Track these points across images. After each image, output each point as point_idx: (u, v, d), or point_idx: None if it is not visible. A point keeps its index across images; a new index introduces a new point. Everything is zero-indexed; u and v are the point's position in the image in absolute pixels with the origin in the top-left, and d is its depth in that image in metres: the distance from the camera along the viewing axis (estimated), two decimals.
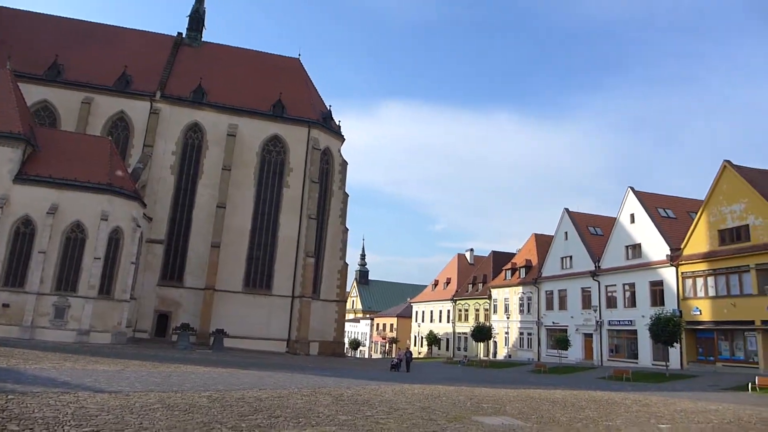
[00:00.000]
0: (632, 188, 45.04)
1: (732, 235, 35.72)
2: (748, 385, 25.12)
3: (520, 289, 57.84)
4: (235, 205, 48.73)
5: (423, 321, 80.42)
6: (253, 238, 49.54)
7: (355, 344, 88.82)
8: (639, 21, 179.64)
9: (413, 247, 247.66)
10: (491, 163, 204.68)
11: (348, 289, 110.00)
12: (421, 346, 77.92)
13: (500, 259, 68.43)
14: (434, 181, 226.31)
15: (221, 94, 51.32)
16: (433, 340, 71.56)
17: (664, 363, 36.11)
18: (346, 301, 60.83)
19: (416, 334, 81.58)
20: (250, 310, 47.37)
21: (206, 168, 49.19)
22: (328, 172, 54.37)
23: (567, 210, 53.08)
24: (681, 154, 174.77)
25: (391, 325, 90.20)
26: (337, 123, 56.67)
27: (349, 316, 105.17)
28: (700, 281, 37.72)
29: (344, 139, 56.55)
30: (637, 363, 40.97)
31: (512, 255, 67.61)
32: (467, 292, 70.31)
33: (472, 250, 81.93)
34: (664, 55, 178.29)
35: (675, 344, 34.81)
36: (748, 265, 34.17)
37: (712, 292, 36.65)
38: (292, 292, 49.02)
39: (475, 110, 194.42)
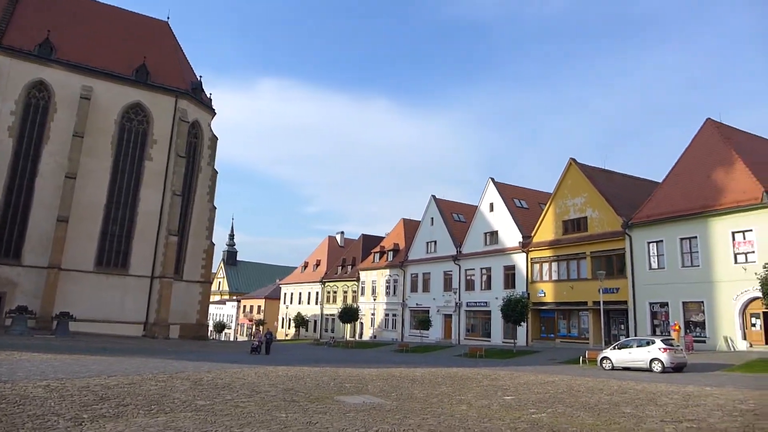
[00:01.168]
0: (492, 179, 48.37)
1: (573, 226, 39.93)
2: (579, 358, 28.40)
3: (387, 271, 59.70)
4: (87, 176, 44.13)
5: (291, 303, 79.99)
6: (108, 213, 45.40)
7: (220, 327, 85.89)
8: (510, 22, 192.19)
9: (286, 228, 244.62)
10: (367, 148, 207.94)
11: (214, 270, 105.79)
12: (289, 327, 77.55)
13: (370, 243, 70.03)
14: (310, 163, 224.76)
15: (74, 51, 45.96)
16: (301, 321, 71.53)
17: (512, 340, 39.58)
18: (211, 283, 58.42)
19: (284, 316, 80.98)
20: (103, 292, 43.56)
21: (53, 133, 43.83)
22: (196, 146, 51.43)
23: (434, 197, 55.63)
24: (539, 149, 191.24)
25: (259, 307, 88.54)
26: (208, 95, 53.72)
27: (215, 297, 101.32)
28: (546, 266, 41.76)
29: (215, 113, 53.81)
30: (490, 341, 44.43)
31: (381, 238, 69.49)
32: (336, 274, 71.08)
33: (342, 232, 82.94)
34: (530, 57, 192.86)
35: (522, 323, 38.27)
36: (585, 253, 38.50)
37: (555, 276, 40.78)
38: (151, 272, 45.91)
39: (354, 95, 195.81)
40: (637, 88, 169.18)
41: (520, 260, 43.76)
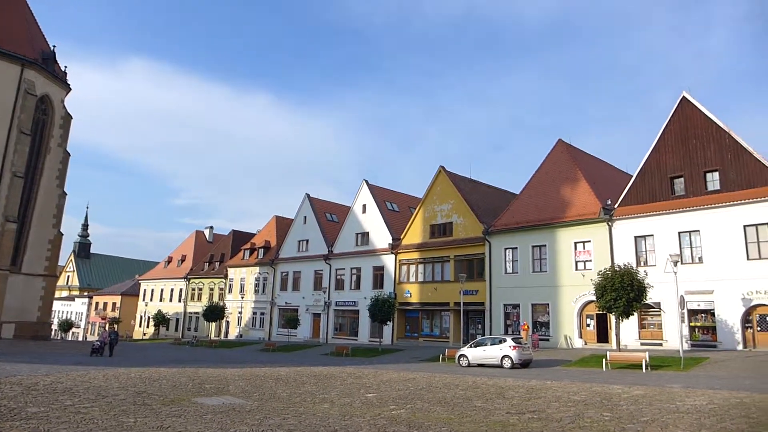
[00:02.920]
0: (367, 181, 49.29)
1: (440, 230, 41.98)
2: (440, 356, 29.89)
3: (257, 269, 58.22)
4: None
5: (152, 300, 74.78)
6: None
7: (67, 325, 77.69)
8: (395, 31, 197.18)
9: (150, 220, 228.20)
10: (243, 142, 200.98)
11: (63, 263, 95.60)
12: (148, 326, 72.43)
13: (240, 239, 67.78)
14: (181, 153, 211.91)
15: None
16: (161, 320, 67.11)
17: (378, 339, 40.59)
18: (57, 277, 52.70)
19: (143, 314, 75.47)
20: None
21: None
22: (45, 124, 46.13)
23: (308, 196, 55.33)
24: (413, 155, 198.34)
25: (114, 304, 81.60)
26: (63, 68, 48.45)
27: (63, 293, 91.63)
28: (413, 268, 43.41)
29: (70, 89, 48.67)
30: (357, 340, 45.15)
31: (253, 235, 67.59)
32: (203, 270, 67.83)
33: (212, 227, 79.30)
34: (410, 67, 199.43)
35: (389, 323, 39.41)
36: (449, 256, 40.67)
37: (421, 278, 42.54)
38: None
39: (234, 87, 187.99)
40: (504, 105, 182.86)
41: (389, 261, 45.03)
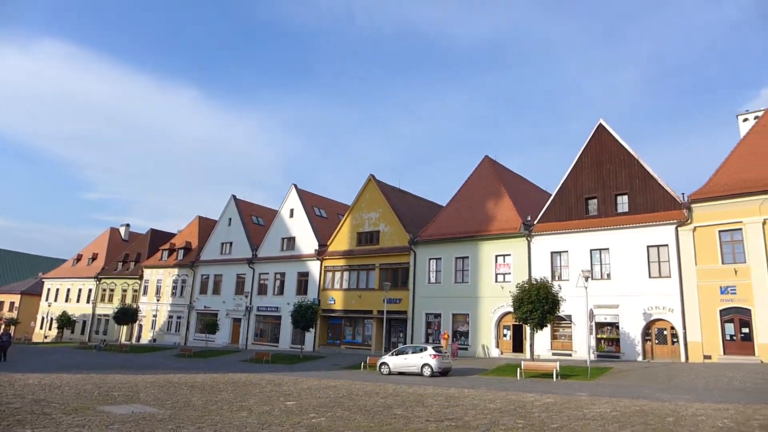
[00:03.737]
0: (295, 185, 48.73)
1: (367, 238, 42.19)
2: (361, 364, 29.93)
3: (175, 271, 55.87)
4: None
5: (56, 300, 69.70)
6: None
7: None
8: (332, 38, 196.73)
9: (58, 214, 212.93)
10: (165, 137, 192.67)
11: None
12: (50, 328, 67.46)
13: (159, 238, 64.84)
14: (94, 144, 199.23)
15: None
16: (66, 322, 62.69)
17: (300, 346, 40.07)
18: None
19: (46, 315, 70.19)
20: None
21: None
22: None
23: (234, 197, 53.91)
24: (343, 162, 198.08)
25: (12, 303, 75.42)
26: None
27: None
28: (338, 275, 43.29)
29: None
30: (278, 346, 44.34)
31: (173, 235, 64.89)
32: (116, 270, 64.17)
33: (128, 225, 75.16)
34: (345, 74, 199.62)
35: (311, 329, 39.01)
36: (375, 264, 40.93)
37: (345, 285, 42.49)
38: None
39: (158, 79, 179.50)
40: (434, 119, 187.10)
41: (314, 267, 44.66)
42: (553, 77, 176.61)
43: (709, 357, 26.90)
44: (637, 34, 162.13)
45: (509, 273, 34.18)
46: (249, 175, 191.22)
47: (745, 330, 26.63)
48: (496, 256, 35.02)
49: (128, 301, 59.13)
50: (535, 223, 33.99)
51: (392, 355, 27.30)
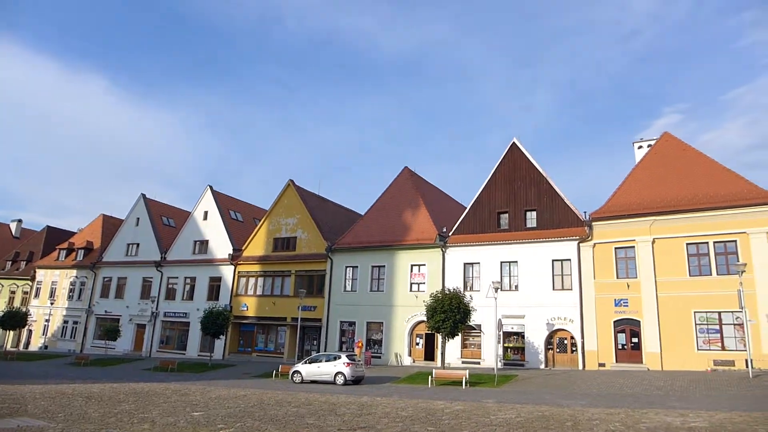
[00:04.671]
0: (211, 187, 47.12)
1: (283, 244, 41.54)
2: (273, 372, 29.34)
3: (74, 272, 52.03)
4: None
5: None
6: None
7: None
8: (257, 38, 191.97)
9: None
10: (67, 127, 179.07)
11: None
12: None
13: (56, 237, 60.16)
14: None
15: None
16: None
17: (209, 354, 38.61)
18: None
19: None
20: None
21: None
22: None
23: (144, 196, 51.21)
24: (262, 165, 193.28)
25: None
26: None
27: None
28: (252, 281, 42.24)
29: None
30: (185, 354, 42.45)
31: (72, 234, 60.51)
32: (4, 270, 58.72)
33: (20, 221, 69.07)
34: (269, 78, 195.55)
35: (221, 336, 37.70)
36: (291, 271, 40.37)
37: (259, 291, 41.54)
38: None
39: (64, 64, 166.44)
40: (356, 128, 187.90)
41: (227, 272, 43.31)
42: (473, 94, 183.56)
43: (604, 365, 28.90)
44: (552, 59, 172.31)
45: (424, 282, 34.93)
46: (162, 175, 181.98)
47: (635, 340, 28.90)
48: (412, 266, 35.70)
49: (17, 303, 54.25)
50: (450, 234, 35.03)
51: (305, 363, 27.01)
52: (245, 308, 41.37)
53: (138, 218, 50.33)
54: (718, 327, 27.27)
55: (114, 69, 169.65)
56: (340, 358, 25.74)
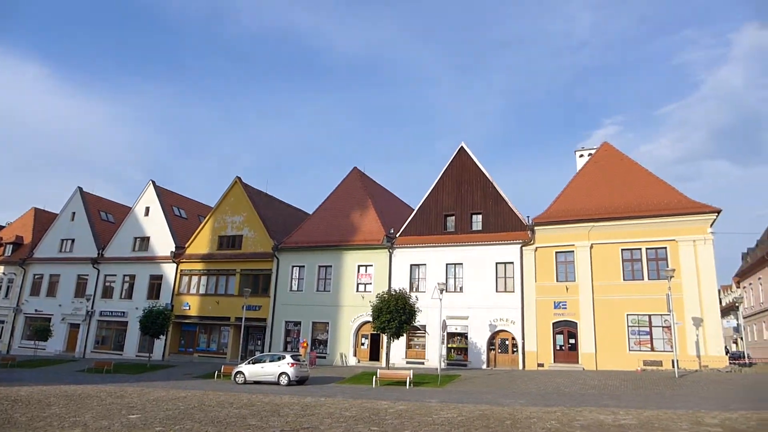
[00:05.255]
0: (153, 182, 45.59)
1: (228, 242, 40.69)
2: (215, 373, 28.70)
3: (1, 268, 49.10)
4: None
5: None
6: None
7: None
8: (205, 31, 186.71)
9: None
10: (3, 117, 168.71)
11: None
12: None
13: None
14: None
15: None
16: None
17: (147, 354, 37.32)
18: None
19: None
20: None
21: None
22: None
23: (81, 189, 48.94)
24: (208, 162, 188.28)
25: None
26: None
27: None
28: (195, 279, 41.16)
29: None
30: (122, 354, 40.87)
31: (1, 228, 57.09)
32: None
33: None
34: (219, 73, 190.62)
35: (161, 336, 36.50)
36: (236, 270, 39.61)
37: (203, 290, 40.53)
38: None
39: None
40: (306, 127, 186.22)
41: (169, 270, 42.00)
42: (424, 98, 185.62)
43: (542, 365, 29.89)
44: (500, 67, 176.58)
45: (370, 283, 35.07)
46: (102, 169, 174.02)
47: (572, 341, 30.06)
48: (359, 266, 35.77)
49: None
50: (397, 236, 35.33)
51: (249, 363, 26.59)
52: (187, 307, 40.27)
53: (74, 212, 48.03)
54: (648, 329, 28.76)
55: (48, 55, 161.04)
56: (284, 358, 25.49)
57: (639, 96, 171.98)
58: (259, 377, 25.49)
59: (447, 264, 33.57)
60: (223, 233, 41.03)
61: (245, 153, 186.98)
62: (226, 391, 20.87)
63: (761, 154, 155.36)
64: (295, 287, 37.32)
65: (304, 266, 37.30)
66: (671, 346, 26.63)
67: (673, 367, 24.82)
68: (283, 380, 24.58)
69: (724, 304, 60.88)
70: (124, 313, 42.30)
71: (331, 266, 36.55)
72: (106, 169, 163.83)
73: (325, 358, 34.95)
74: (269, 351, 34.97)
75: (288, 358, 25.28)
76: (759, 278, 55.24)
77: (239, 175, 42.34)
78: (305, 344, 33.67)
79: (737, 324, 55.41)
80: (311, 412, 14.69)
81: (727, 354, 34.99)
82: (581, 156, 37.86)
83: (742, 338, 52.69)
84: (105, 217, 49.30)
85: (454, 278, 33.39)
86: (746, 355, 43.04)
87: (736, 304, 59.25)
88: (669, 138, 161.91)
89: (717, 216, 28.78)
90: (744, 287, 62.91)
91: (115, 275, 44.09)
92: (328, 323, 35.70)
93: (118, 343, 42.40)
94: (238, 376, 26.01)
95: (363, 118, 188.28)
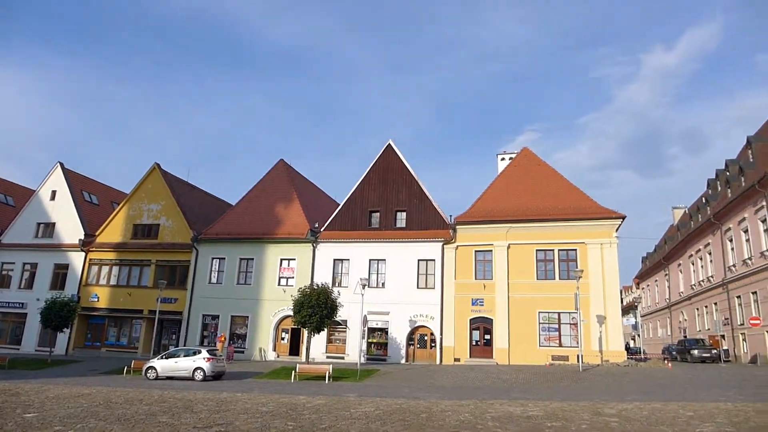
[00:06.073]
0: (62, 164, 42.57)
1: (144, 231, 38.80)
2: (124, 368, 27.30)
3: None
4: None
5: None
6: None
7: None
8: (132, 8, 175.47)
9: None
10: None
11: None
12: None
13: None
14: None
15: None
16: None
17: (49, 349, 34.86)
18: None
19: None
20: None
21: None
22: None
23: None
24: (127, 147, 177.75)
25: None
26: None
27: None
28: (105, 269, 38.92)
29: None
30: (19, 349, 37.92)
31: None
32: None
33: None
34: (144, 53, 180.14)
35: (65, 330, 34.21)
36: (151, 260, 37.86)
37: (114, 281, 38.41)
38: None
39: None
40: (233, 115, 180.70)
41: (77, 259, 39.44)
42: (355, 95, 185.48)
43: (459, 360, 30.87)
44: (432, 69, 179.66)
45: (293, 277, 34.70)
46: (2, 148, 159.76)
47: (488, 336, 31.25)
48: (282, 260, 35.29)
49: None
50: (321, 230, 35.16)
51: (161, 358, 25.54)
52: (96, 299, 38.02)
53: None
54: (557, 326, 30.43)
55: None
56: (200, 352, 24.70)
57: (559, 105, 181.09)
58: (173, 372, 24.55)
59: (370, 260, 33.83)
60: (139, 221, 39.07)
61: (168, 139, 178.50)
62: (136, 388, 19.93)
63: (662, 167, 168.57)
64: (214, 280, 36.23)
65: (224, 258, 36.28)
66: (577, 342, 28.32)
67: (578, 361, 26.42)
68: (198, 375, 23.83)
69: (624, 303, 65.56)
70: (22, 304, 39.27)
71: (252, 259, 35.80)
72: (8, 149, 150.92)
73: (243, 352, 34.20)
74: (185, 345, 33.71)
75: (204, 353, 24.52)
76: (656, 280, 59.89)
77: (158, 162, 40.43)
78: (223, 338, 32.81)
79: (635, 322, 59.83)
80: (226, 407, 14.34)
81: (627, 350, 37.74)
82: (503, 159, 39.39)
83: (639, 335, 56.93)
84: (4, 199, 45.50)
85: (377, 274, 33.71)
86: (642, 351, 46.57)
87: (635, 304, 63.96)
88: (584, 147, 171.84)
89: (622, 222, 30.92)
90: (642, 288, 67.98)
91: (14, 263, 40.82)
92: (247, 317, 34.96)
93: (15, 337, 39.32)
94: (149, 371, 24.89)
95: (293, 110, 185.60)
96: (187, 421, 12.03)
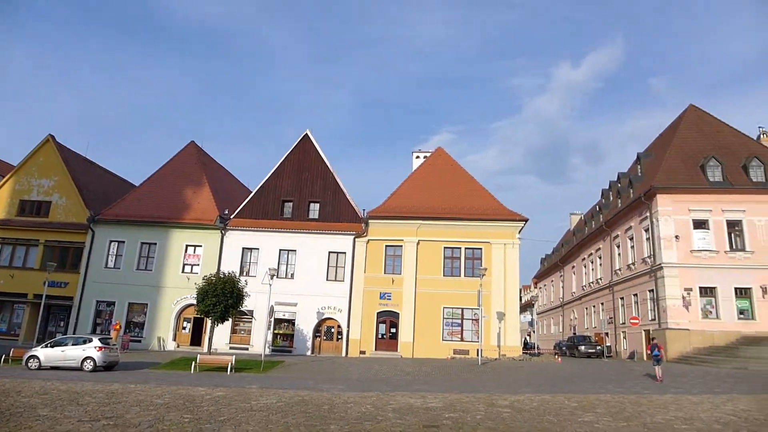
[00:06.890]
0: None
1: (33, 208, 35.69)
2: (1, 357, 25.00)
3: None
4: None
5: None
6: None
7: None
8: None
9: None
10: None
11: None
12: None
13: None
14: None
15: None
16: None
17: None
18: None
19: None
20: None
21: None
22: None
23: None
24: (18, 115, 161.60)
25: None
26: None
27: None
28: None
29: None
30: None
31: None
32: None
33: None
34: (47, 15, 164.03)
35: None
36: (39, 240, 34.92)
37: None
38: None
39: None
40: (141, 93, 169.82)
41: None
42: (277, 82, 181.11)
43: (364, 352, 31.22)
44: (355, 63, 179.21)
45: (198, 264, 33.45)
46: None
47: (393, 330, 31.85)
48: (187, 246, 33.88)
49: None
50: (231, 217, 34.13)
51: (46, 346, 23.60)
52: None
53: None
54: (460, 321, 31.61)
55: None
56: (91, 341, 23.10)
57: (474, 109, 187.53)
58: (59, 362, 22.79)
59: (281, 250, 33.32)
60: (27, 197, 35.88)
61: (67, 110, 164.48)
62: (15, 378, 18.33)
63: (563, 175, 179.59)
64: (111, 264, 34.08)
65: (124, 242, 34.21)
66: (478, 337, 29.59)
67: (478, 355, 27.61)
68: (88, 365, 22.30)
69: (523, 301, 69.36)
70: None
71: (155, 244, 34.04)
72: None
73: (140, 342, 32.50)
74: (74, 333, 31.44)
75: (95, 341, 22.96)
76: (552, 281, 63.88)
77: (54, 134, 37.28)
78: (118, 326, 30.97)
79: (532, 319, 63.53)
80: (117, 399, 13.57)
81: (525, 345, 39.92)
82: (417, 157, 40.20)
83: (534, 331, 60.50)
84: None
85: (287, 265, 33.28)
86: (536, 346, 49.53)
87: (533, 302, 67.90)
88: (494, 151, 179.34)
89: (524, 224, 32.63)
90: (540, 288, 72.27)
91: None
92: (146, 305, 33.23)
93: None
94: (31, 360, 22.92)
95: (209, 91, 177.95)
96: (72, 414, 11.27)
